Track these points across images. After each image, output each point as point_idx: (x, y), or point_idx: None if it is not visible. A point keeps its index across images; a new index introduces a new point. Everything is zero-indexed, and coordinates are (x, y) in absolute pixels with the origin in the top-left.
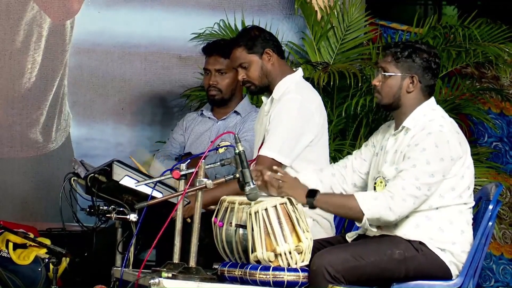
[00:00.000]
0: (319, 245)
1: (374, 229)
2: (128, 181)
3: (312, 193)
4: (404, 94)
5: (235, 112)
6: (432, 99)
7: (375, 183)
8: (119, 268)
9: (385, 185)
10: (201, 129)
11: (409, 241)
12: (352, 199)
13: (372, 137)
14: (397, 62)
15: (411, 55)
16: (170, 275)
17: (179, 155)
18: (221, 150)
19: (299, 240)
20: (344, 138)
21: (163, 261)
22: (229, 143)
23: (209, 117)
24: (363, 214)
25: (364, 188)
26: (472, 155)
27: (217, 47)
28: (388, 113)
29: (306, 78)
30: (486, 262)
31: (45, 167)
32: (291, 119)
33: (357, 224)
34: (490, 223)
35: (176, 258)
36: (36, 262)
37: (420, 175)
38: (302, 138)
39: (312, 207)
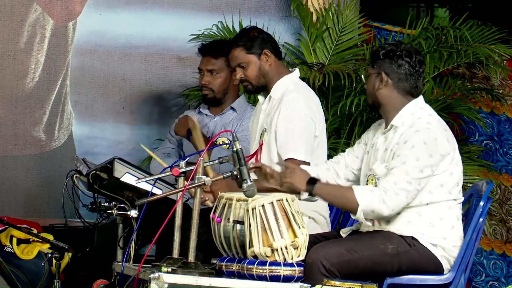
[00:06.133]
0: (314, 240)
1: (369, 223)
2: (128, 178)
3: (312, 181)
4: (377, 92)
5: (231, 108)
6: (420, 98)
7: (367, 181)
8: (120, 263)
9: (376, 182)
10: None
11: (401, 236)
12: (350, 190)
13: (364, 134)
14: (371, 63)
15: (379, 54)
16: (169, 269)
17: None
18: (225, 146)
19: (295, 235)
20: (339, 136)
21: (163, 256)
22: (225, 138)
23: (206, 114)
24: (358, 205)
25: (356, 182)
26: (463, 153)
27: (210, 48)
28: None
29: (302, 79)
30: (477, 257)
31: (48, 164)
32: (303, 118)
33: (352, 216)
34: (481, 219)
35: (175, 253)
36: (39, 257)
37: (410, 170)
38: (314, 135)
39: (311, 194)
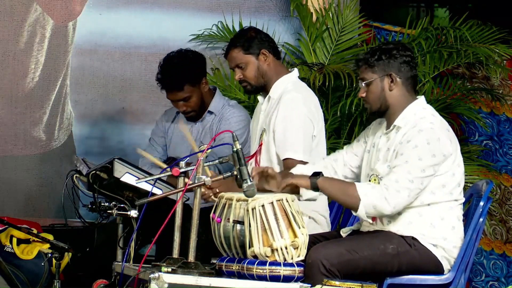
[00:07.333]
0: (314, 240)
1: (370, 220)
2: (128, 178)
3: (315, 174)
4: (388, 94)
5: (209, 112)
6: (422, 98)
7: (369, 180)
8: (120, 263)
9: (379, 182)
10: (182, 133)
11: (402, 236)
12: (352, 185)
13: (363, 132)
14: (371, 68)
15: (381, 56)
16: (169, 269)
17: (163, 161)
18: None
19: (295, 235)
20: (339, 136)
21: (163, 256)
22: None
23: (188, 122)
24: (360, 200)
25: (355, 180)
26: (463, 153)
27: (171, 84)
28: None
29: (302, 79)
30: (477, 257)
31: (48, 164)
32: (301, 118)
33: (354, 213)
34: (481, 219)
35: (175, 253)
36: (39, 257)
37: (412, 169)
38: (312, 135)
39: (315, 187)
